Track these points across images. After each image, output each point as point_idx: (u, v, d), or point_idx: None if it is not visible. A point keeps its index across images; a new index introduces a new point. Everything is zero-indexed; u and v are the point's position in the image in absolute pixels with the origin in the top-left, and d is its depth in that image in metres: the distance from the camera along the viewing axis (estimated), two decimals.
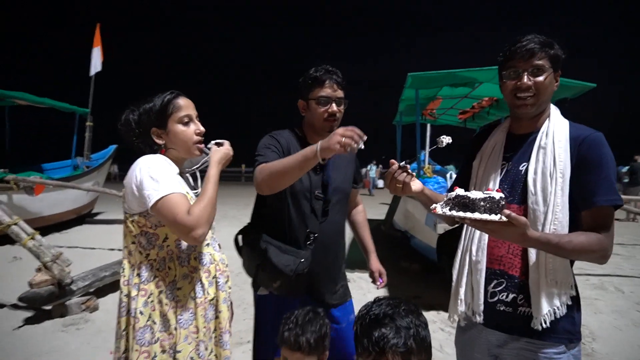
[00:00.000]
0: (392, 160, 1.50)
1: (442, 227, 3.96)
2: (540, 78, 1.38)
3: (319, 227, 1.84)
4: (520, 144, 1.50)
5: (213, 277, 1.57)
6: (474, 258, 1.49)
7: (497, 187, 1.48)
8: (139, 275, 1.45)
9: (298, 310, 1.55)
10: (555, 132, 1.41)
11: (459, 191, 1.21)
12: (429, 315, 4.11)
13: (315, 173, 1.86)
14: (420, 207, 4.40)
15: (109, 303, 4.26)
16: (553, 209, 1.34)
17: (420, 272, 5.72)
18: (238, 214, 11.90)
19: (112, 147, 11.01)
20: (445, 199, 1.24)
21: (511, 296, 1.42)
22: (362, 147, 1.42)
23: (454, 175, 5.16)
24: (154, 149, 1.56)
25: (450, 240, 1.67)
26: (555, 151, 1.38)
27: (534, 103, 1.40)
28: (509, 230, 1.17)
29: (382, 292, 4.34)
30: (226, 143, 1.59)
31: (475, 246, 1.50)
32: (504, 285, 1.44)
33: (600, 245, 1.28)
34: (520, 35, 1.43)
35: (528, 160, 1.44)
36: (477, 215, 1.14)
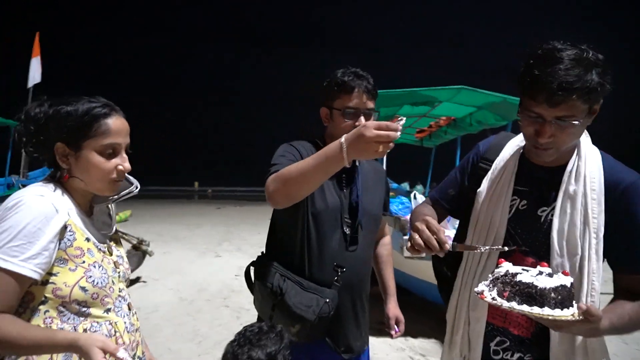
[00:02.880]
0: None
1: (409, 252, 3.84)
2: (567, 130, 1.07)
3: (347, 260, 1.55)
4: (538, 180, 1.25)
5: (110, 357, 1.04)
6: (472, 312, 1.30)
7: (504, 225, 1.26)
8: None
9: (245, 327, 1.22)
10: (587, 175, 1.17)
11: (515, 270, 0.98)
12: (397, 342, 3.95)
13: (341, 191, 1.59)
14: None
15: None
16: (588, 277, 1.15)
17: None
18: (190, 234, 11.40)
19: None
20: (491, 277, 1.02)
21: (517, 355, 1.26)
22: (399, 135, 1.11)
23: (419, 196, 5.10)
24: (51, 172, 1.17)
25: (440, 262, 1.49)
26: (587, 204, 1.16)
27: (553, 154, 1.15)
28: (579, 325, 0.96)
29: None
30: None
31: (475, 297, 1.27)
32: (507, 344, 1.27)
33: None
34: (545, 43, 1.08)
35: (549, 205, 1.22)
36: (547, 312, 0.92)
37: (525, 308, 0.94)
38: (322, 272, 1.52)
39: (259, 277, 1.56)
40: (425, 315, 4.43)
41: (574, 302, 0.95)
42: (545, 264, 1.04)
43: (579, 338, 1.16)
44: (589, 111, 1.08)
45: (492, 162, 1.35)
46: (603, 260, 1.19)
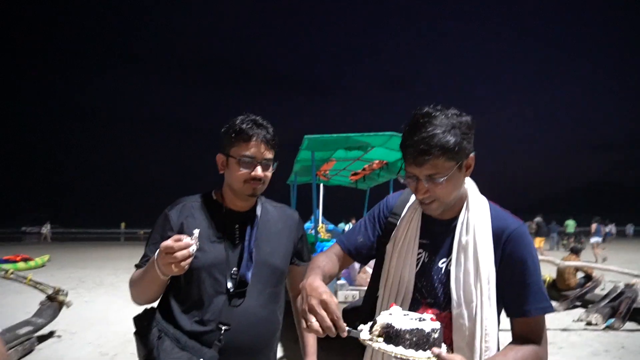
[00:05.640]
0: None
1: (343, 295, 3.84)
2: (438, 187, 1.18)
3: (234, 317, 1.44)
4: (437, 232, 1.33)
5: None
6: None
7: (412, 279, 1.30)
8: None
9: None
10: (477, 226, 1.25)
11: (385, 316, 1.02)
12: None
13: (231, 243, 1.51)
14: None
15: None
16: (482, 323, 1.19)
17: (320, 339, 5.46)
18: (116, 280, 10.66)
19: None
20: (376, 318, 1.04)
21: None
22: (195, 248, 1.25)
23: None
24: None
25: (359, 313, 1.46)
26: (478, 253, 1.22)
27: (437, 207, 1.24)
28: None
29: None
30: None
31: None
32: None
33: None
34: (418, 107, 1.19)
35: (447, 256, 1.29)
36: (399, 351, 0.96)
37: (382, 346, 0.98)
38: (204, 329, 1.43)
39: (138, 329, 1.47)
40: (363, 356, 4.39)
41: (435, 346, 0.98)
42: (429, 311, 1.09)
43: None
44: (458, 167, 1.18)
45: (399, 216, 1.42)
46: (498, 307, 1.24)
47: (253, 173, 1.48)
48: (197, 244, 1.24)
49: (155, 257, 1.27)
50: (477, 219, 1.27)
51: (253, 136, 1.47)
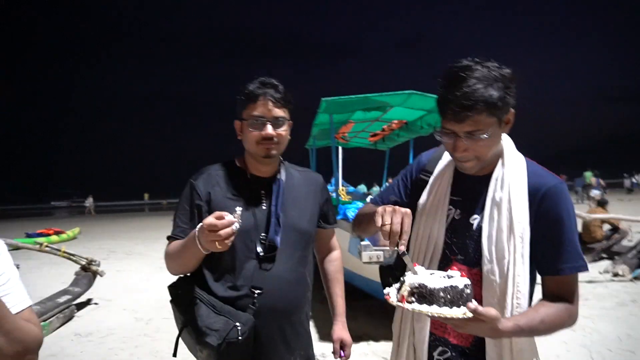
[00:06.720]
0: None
1: (367, 256, 3.87)
2: (478, 143, 1.14)
3: (266, 281, 1.45)
4: (469, 189, 1.30)
5: None
6: (416, 323, 1.33)
7: (442, 236, 1.30)
8: None
9: None
10: (512, 182, 1.22)
11: (411, 277, 1.01)
12: (360, 347, 3.97)
13: (258, 208, 1.52)
14: (341, 232, 4.28)
15: None
16: (514, 280, 1.18)
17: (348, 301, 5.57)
18: (145, 249, 11.01)
19: None
20: (401, 280, 1.04)
21: None
22: (238, 226, 1.22)
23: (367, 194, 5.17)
24: None
25: (392, 271, 1.48)
26: (512, 210, 1.19)
27: (474, 165, 1.21)
28: (476, 325, 1.00)
29: None
30: None
31: None
32: (448, 354, 1.31)
33: (570, 317, 1.18)
34: (455, 61, 1.15)
35: (480, 213, 1.26)
36: (435, 310, 0.96)
37: (416, 307, 0.98)
38: (238, 294, 1.45)
39: (173, 298, 1.51)
40: (389, 317, 4.47)
41: (469, 302, 0.98)
42: (456, 268, 1.08)
43: (507, 340, 1.19)
44: (498, 123, 1.15)
45: (431, 174, 1.40)
46: (532, 264, 1.22)
47: (263, 132, 1.45)
48: (240, 221, 1.23)
49: (197, 233, 1.27)
50: (512, 175, 1.23)
51: (259, 95, 1.46)
